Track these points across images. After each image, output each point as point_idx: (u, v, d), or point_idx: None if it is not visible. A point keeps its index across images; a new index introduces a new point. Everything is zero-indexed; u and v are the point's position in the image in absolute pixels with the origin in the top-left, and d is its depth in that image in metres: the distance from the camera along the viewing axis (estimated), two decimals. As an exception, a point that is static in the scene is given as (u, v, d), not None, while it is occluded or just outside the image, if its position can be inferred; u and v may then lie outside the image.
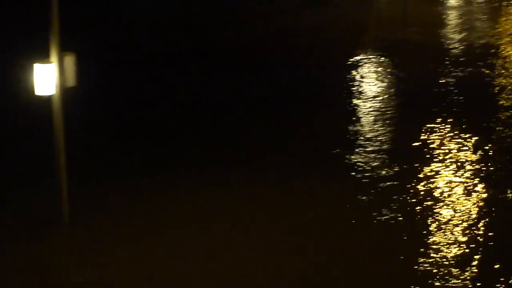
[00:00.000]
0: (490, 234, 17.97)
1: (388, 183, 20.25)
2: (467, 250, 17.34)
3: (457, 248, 17.40)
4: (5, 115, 23.28)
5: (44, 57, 16.72)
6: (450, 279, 16.16)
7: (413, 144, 22.36)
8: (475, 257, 17.00)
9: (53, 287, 15.49)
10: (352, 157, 21.56)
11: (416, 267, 16.61)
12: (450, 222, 18.48)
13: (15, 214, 18.23)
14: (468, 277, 16.21)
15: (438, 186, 20.29)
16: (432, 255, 17.04)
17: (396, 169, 20.83)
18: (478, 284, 15.76)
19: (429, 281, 15.91)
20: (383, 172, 20.83)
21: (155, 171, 21.04)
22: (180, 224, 18.13)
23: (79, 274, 15.92)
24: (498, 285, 15.57)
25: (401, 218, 18.63)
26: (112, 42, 33.63)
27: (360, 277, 16.12)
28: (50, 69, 16.50)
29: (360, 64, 29.41)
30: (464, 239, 17.83)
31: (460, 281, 16.06)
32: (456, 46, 31.97)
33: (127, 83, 27.66)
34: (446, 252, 17.23)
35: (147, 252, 16.73)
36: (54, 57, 16.45)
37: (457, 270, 16.39)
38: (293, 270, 16.26)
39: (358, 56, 30.31)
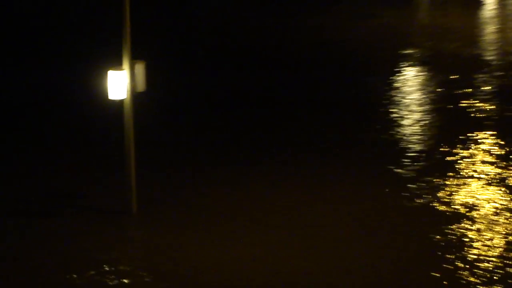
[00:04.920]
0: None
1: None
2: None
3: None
4: (81, 116, 23.98)
5: (117, 65, 17.24)
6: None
7: (456, 160, 22.02)
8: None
9: (121, 275, 15.68)
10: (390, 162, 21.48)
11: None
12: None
13: (89, 206, 18.77)
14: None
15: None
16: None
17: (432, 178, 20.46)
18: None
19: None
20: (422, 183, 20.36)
21: (217, 165, 21.43)
22: (242, 213, 18.45)
23: (145, 262, 16.27)
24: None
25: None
26: (178, 47, 34.66)
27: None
28: (122, 75, 17.09)
29: (404, 73, 29.79)
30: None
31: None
32: (493, 56, 31.97)
33: (191, 86, 28.42)
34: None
35: (211, 241, 16.97)
36: (126, 65, 17.10)
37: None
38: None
39: (402, 65, 30.56)
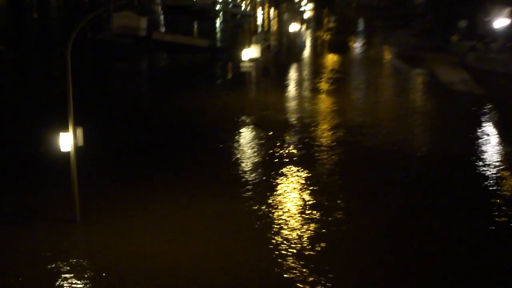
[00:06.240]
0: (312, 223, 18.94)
1: (252, 195, 20.96)
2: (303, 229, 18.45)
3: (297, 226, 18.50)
4: (42, 161, 23.28)
5: (65, 129, 17.68)
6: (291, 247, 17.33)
7: (271, 181, 22.60)
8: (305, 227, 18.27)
9: (70, 269, 15.79)
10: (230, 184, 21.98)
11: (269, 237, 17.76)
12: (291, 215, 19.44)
13: (44, 218, 18.78)
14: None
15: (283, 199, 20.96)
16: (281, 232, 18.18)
17: (257, 192, 21.31)
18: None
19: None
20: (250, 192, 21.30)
21: (138, 186, 21.51)
22: (160, 219, 18.75)
23: (89, 259, 16.33)
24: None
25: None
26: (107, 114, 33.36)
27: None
28: (68, 136, 17.76)
29: (240, 131, 28.95)
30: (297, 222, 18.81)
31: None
32: (295, 119, 31.24)
33: (116, 141, 27.37)
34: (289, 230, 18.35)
35: (137, 241, 17.29)
36: (70, 129, 17.75)
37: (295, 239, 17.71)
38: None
39: (239, 127, 29.67)
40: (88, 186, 20.03)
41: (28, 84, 43.09)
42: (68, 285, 15.17)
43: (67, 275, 15.53)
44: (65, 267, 15.89)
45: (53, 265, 15.98)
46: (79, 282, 15.29)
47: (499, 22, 43.37)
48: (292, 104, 35.85)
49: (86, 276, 15.56)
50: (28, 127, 29.28)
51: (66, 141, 17.71)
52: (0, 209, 19.55)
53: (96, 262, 16.20)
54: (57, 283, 15.25)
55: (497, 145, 27.19)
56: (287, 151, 26.11)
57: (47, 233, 17.85)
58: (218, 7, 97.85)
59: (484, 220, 19.29)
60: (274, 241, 17.46)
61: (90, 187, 20.42)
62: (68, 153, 17.90)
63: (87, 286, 15.16)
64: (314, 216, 19.21)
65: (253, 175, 23.21)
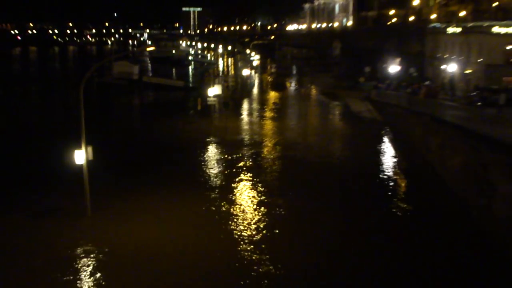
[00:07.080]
0: (263, 220, 18.95)
1: (218, 195, 20.91)
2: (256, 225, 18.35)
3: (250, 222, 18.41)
4: (61, 171, 22.64)
5: (78, 147, 17.58)
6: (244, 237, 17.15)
7: (231, 185, 22.53)
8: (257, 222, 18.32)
9: (78, 255, 15.44)
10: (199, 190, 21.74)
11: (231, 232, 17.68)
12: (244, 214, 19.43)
13: (60, 212, 18.51)
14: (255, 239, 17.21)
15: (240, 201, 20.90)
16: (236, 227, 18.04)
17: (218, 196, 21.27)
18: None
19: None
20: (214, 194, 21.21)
21: (138, 186, 21.26)
22: (151, 214, 18.52)
23: (97, 245, 16.04)
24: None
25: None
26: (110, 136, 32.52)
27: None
28: (81, 153, 17.66)
29: (208, 148, 28.70)
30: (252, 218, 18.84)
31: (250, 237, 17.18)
32: (248, 139, 30.77)
33: (116, 156, 26.93)
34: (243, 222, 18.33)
35: (139, 232, 17.00)
36: (83, 147, 17.66)
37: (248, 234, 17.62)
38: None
39: (207, 144, 29.36)
40: (96, 189, 19.73)
41: (50, 114, 42.27)
42: (79, 266, 14.88)
43: (79, 258, 15.24)
44: (77, 252, 15.57)
45: (68, 251, 15.64)
46: (88, 263, 15.02)
47: (393, 68, 45.14)
48: (245, 128, 35.84)
49: (94, 258, 15.29)
50: (49, 146, 28.67)
51: (79, 156, 17.59)
52: (26, 207, 19.19)
53: (103, 247, 15.91)
54: (71, 264, 14.96)
55: (393, 156, 27.66)
56: (242, 162, 25.97)
57: (64, 224, 17.50)
58: (190, 57, 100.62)
59: (383, 207, 19.79)
60: (232, 229, 17.35)
61: (98, 191, 20.11)
62: (81, 165, 17.73)
63: (95, 266, 14.90)
64: (262, 211, 19.17)
65: (217, 180, 23.04)
